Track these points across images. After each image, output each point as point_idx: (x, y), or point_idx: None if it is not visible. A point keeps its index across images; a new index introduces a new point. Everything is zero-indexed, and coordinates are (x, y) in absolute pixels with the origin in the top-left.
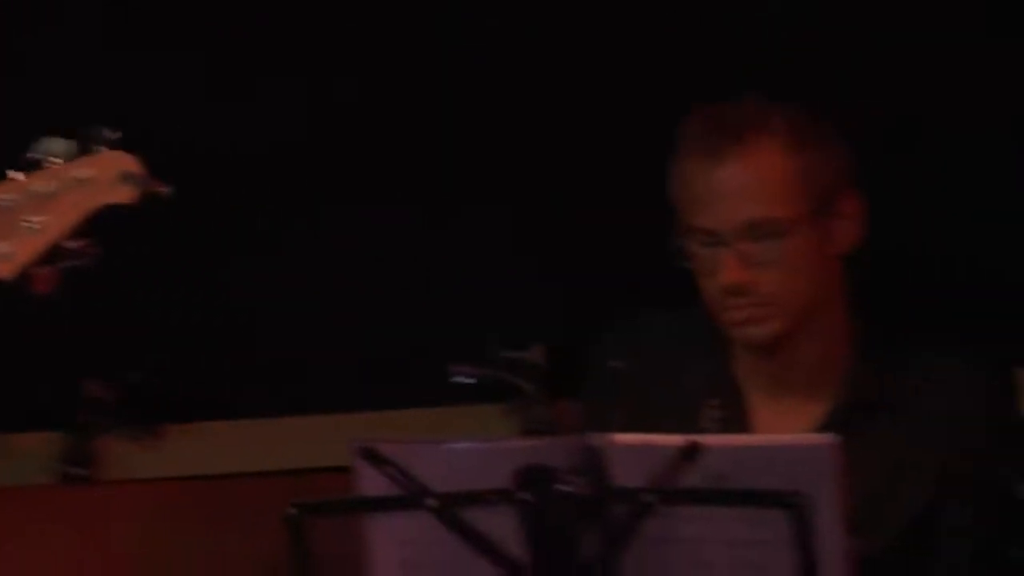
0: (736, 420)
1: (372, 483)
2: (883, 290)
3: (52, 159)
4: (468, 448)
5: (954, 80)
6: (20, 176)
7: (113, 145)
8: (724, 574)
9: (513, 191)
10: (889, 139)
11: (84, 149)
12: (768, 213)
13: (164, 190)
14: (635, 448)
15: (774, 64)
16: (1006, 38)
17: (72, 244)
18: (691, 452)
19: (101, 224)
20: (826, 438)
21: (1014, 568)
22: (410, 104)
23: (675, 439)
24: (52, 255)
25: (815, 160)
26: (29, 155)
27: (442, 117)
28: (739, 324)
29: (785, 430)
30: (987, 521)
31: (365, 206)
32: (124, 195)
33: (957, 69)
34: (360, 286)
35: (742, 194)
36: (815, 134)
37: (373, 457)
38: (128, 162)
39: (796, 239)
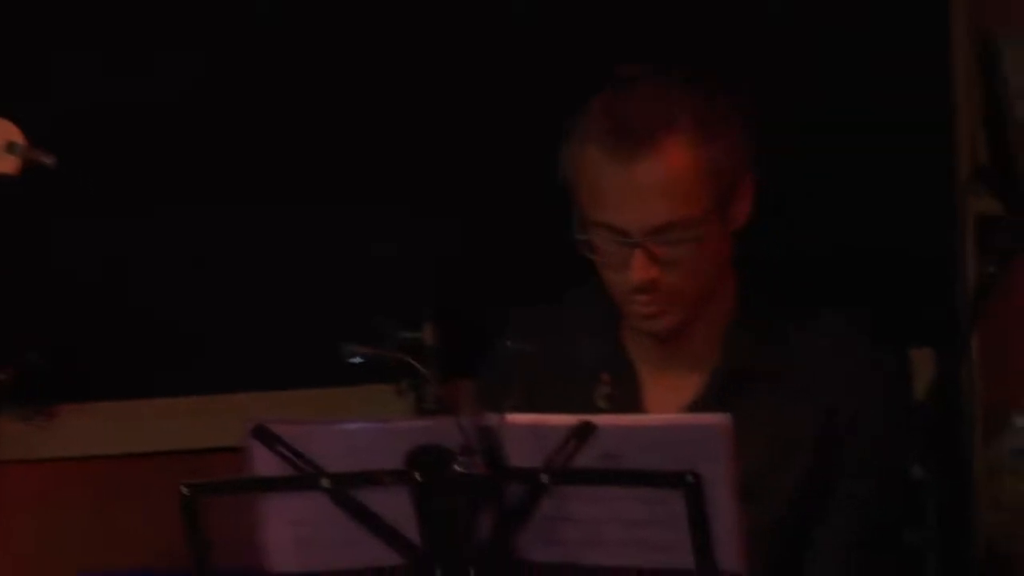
0: (628, 396)
1: (266, 463)
2: (768, 267)
3: None
4: (362, 428)
5: (828, 54)
6: None
7: None
8: (619, 553)
9: (407, 169)
10: (776, 113)
11: None
12: (681, 214)
13: (48, 160)
14: (529, 428)
15: (659, 36)
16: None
17: None
18: (584, 432)
19: None
20: (719, 417)
21: (908, 551)
22: (303, 83)
23: (568, 419)
24: None
25: (722, 151)
26: None
27: (335, 98)
28: (644, 318)
29: (674, 402)
30: (881, 502)
31: (259, 185)
32: (7, 165)
33: (830, 43)
34: (254, 266)
35: (655, 196)
36: (719, 123)
37: (267, 437)
38: (10, 131)
39: (705, 234)
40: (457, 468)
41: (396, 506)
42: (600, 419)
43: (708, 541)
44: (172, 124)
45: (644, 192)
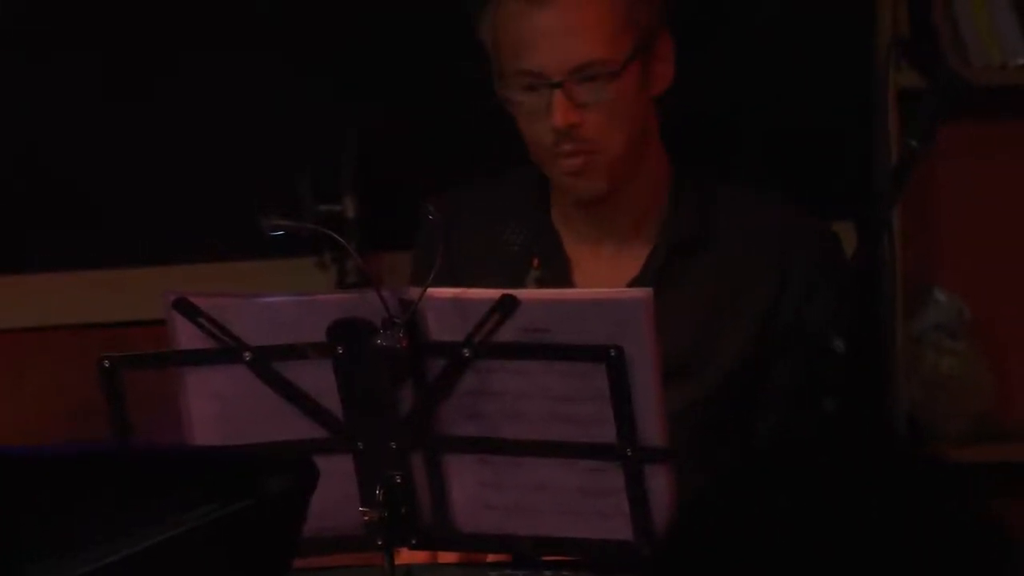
0: (558, 278)
1: (187, 336)
2: (694, 137)
3: None
4: (283, 301)
5: None
6: None
7: None
8: (541, 427)
9: (329, 35)
10: None
11: None
12: (599, 54)
13: None
14: (451, 301)
15: None
16: None
17: None
18: (507, 306)
19: None
20: (640, 291)
21: (827, 418)
22: None
23: (491, 293)
24: None
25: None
26: None
27: None
28: (570, 174)
29: (607, 280)
30: (805, 371)
31: (177, 51)
32: None
33: None
34: (172, 136)
35: (572, 35)
36: None
37: (187, 309)
38: None
39: (623, 80)
40: (379, 342)
41: (318, 380)
42: (523, 293)
43: (630, 415)
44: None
45: (561, 32)
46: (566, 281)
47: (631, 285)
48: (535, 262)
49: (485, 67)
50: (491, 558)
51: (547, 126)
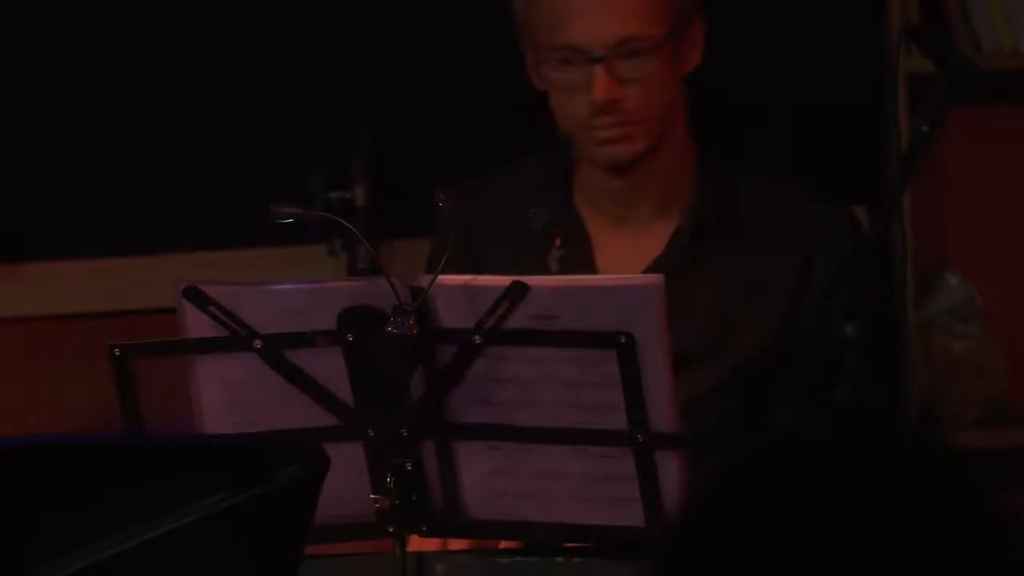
0: (580, 257)
1: (198, 324)
2: (707, 122)
3: None
4: (294, 289)
5: None
6: None
7: None
8: (552, 414)
9: (340, 22)
10: None
11: None
12: (643, 30)
13: None
14: (461, 288)
15: None
16: None
17: None
18: (517, 292)
19: None
20: (651, 277)
21: (838, 408)
22: None
23: (501, 279)
24: None
25: None
26: None
27: None
28: (606, 143)
29: (628, 261)
30: (816, 358)
31: (186, 42)
32: None
33: None
34: (184, 126)
35: (616, 10)
36: None
37: (198, 297)
38: None
39: (660, 57)
40: (389, 329)
41: (329, 367)
42: (533, 279)
43: (641, 401)
44: None
45: (604, 7)
46: (588, 261)
47: (653, 265)
48: (558, 241)
49: (508, 43)
50: (502, 545)
51: (584, 100)
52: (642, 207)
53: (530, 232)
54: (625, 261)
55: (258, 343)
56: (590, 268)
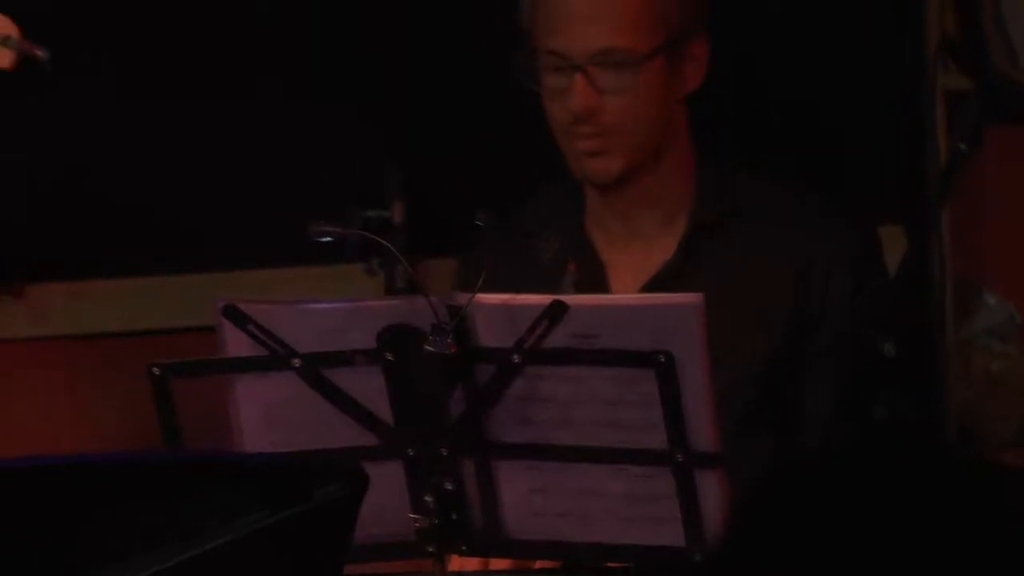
0: (593, 278)
1: (237, 343)
2: (737, 143)
3: None
4: (332, 308)
5: None
6: None
7: None
8: (591, 433)
9: (376, 46)
10: None
11: None
12: (623, 42)
13: (41, 54)
14: (500, 307)
15: None
16: None
17: None
18: (556, 311)
19: None
20: (691, 296)
21: (877, 425)
22: None
23: (541, 298)
24: None
25: None
26: None
27: None
28: (585, 155)
29: (638, 277)
30: (851, 376)
31: (224, 65)
32: (1, 59)
33: None
34: (222, 145)
35: (598, 20)
36: None
37: (237, 316)
38: (5, 24)
39: (647, 73)
40: (428, 348)
41: (368, 386)
42: (572, 298)
43: (680, 420)
44: (142, 13)
45: (587, 15)
46: (602, 282)
47: (663, 268)
48: (571, 266)
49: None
50: (541, 564)
51: (566, 107)
52: (645, 220)
53: (541, 260)
54: (635, 274)
55: (297, 362)
56: (603, 288)
